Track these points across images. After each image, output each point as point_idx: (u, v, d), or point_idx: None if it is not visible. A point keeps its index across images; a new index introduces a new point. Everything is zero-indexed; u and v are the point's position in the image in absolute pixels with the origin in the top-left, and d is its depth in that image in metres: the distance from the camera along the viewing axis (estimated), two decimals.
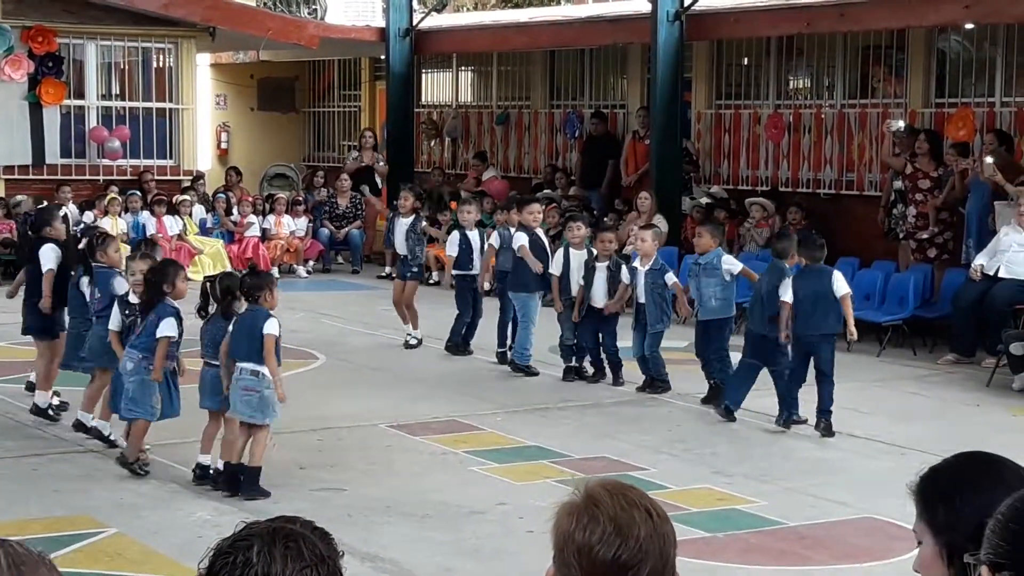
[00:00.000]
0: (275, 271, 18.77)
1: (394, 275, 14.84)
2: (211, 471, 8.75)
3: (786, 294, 10.41)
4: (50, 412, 10.30)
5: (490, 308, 13.54)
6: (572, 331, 12.24)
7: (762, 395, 11.55)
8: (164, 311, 8.85)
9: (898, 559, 7.42)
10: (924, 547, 2.61)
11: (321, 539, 2.47)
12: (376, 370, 12.81)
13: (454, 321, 13.51)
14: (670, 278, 11.69)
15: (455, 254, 13.59)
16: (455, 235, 13.79)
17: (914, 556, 2.66)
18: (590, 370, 12.25)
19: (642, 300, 11.68)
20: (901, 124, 15.30)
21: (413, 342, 13.87)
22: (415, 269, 14.07)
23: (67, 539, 7.71)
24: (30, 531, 7.85)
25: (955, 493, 2.56)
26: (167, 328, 8.81)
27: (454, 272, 13.67)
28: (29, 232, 10.95)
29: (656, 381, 11.72)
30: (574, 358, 12.30)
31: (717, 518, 8.29)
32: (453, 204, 17.60)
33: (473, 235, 13.62)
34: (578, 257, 12.25)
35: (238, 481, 8.51)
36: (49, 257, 10.38)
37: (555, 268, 12.39)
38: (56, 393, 10.47)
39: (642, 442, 10.14)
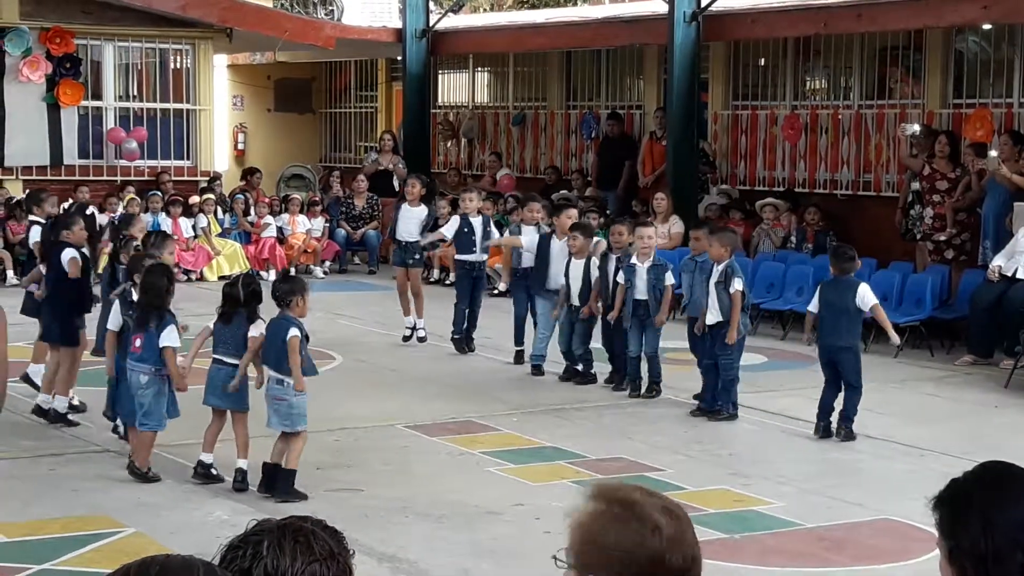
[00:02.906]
0: (291, 271, 18.88)
1: (393, 262, 14.54)
2: (212, 470, 8.79)
3: (812, 303, 10.46)
4: (69, 417, 10.33)
5: (505, 308, 13.56)
6: (568, 338, 12.22)
7: (781, 396, 11.56)
8: (162, 320, 8.82)
9: (916, 560, 7.41)
10: (940, 552, 2.68)
11: (332, 536, 2.51)
12: (393, 370, 12.82)
13: (454, 311, 13.54)
14: (669, 278, 11.62)
15: (451, 236, 13.60)
16: (455, 219, 13.77)
17: (934, 558, 2.71)
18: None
19: (641, 297, 11.59)
20: (916, 128, 15.28)
21: (421, 334, 13.87)
22: (417, 256, 14.09)
23: (85, 539, 7.73)
24: (48, 531, 7.89)
25: (960, 497, 2.63)
26: (169, 338, 8.77)
27: (456, 257, 13.62)
28: (51, 236, 10.91)
29: (651, 385, 11.66)
30: (581, 363, 12.28)
31: (734, 519, 8.28)
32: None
33: (476, 221, 13.56)
34: (577, 267, 12.17)
35: (275, 480, 8.56)
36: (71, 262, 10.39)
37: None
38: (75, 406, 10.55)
39: (659, 443, 10.14)
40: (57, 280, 10.50)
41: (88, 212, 11.03)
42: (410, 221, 13.97)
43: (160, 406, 8.87)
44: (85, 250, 10.74)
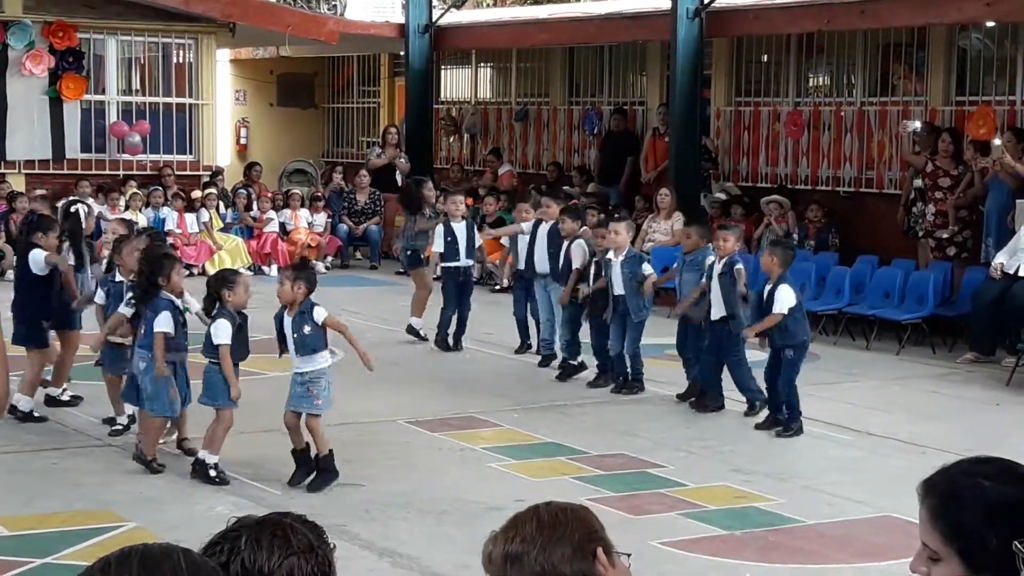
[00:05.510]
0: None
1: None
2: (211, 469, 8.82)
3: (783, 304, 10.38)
4: (35, 414, 10.28)
5: (506, 304, 13.57)
6: (569, 330, 12.30)
7: None
8: (158, 306, 8.87)
9: None
10: (943, 567, 2.42)
11: (311, 531, 2.51)
12: (394, 366, 12.80)
13: (440, 315, 13.57)
14: (647, 268, 11.64)
15: (441, 249, 13.62)
16: (440, 228, 13.82)
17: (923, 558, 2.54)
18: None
19: (619, 292, 11.57)
20: (917, 124, 15.27)
21: (423, 333, 13.94)
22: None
23: (87, 533, 7.75)
24: (50, 524, 7.90)
25: (975, 493, 2.40)
26: (163, 323, 8.82)
27: (441, 265, 13.72)
28: (24, 233, 10.91)
29: (632, 382, 11.64)
30: (566, 353, 12.34)
31: (735, 516, 8.28)
32: (469, 200, 17.61)
33: (459, 227, 13.65)
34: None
35: (310, 461, 8.74)
36: (40, 264, 10.37)
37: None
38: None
39: (660, 439, 10.14)
40: (25, 282, 10.50)
41: (73, 210, 10.97)
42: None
43: (161, 392, 8.88)
44: (51, 255, 10.61)
